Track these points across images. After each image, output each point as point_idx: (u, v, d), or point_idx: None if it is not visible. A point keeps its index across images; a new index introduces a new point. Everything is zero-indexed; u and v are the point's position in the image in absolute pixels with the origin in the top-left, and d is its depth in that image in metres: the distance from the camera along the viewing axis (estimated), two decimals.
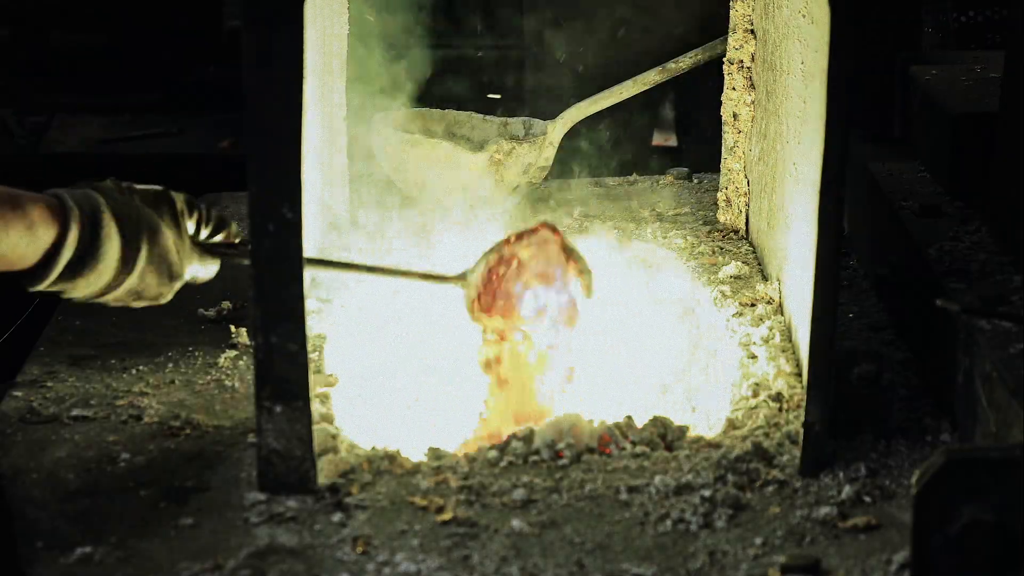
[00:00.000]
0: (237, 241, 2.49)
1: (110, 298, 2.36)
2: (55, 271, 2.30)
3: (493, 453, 2.38)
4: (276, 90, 2.26)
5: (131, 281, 2.33)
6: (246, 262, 2.43)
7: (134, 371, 2.71)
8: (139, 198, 2.39)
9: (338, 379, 2.55)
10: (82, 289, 2.32)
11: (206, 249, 2.45)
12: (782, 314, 2.71)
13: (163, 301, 2.41)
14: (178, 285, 2.44)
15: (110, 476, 2.40)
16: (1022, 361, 2.24)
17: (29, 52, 3.51)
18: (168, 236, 2.38)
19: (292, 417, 2.31)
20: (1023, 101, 2.46)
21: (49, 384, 2.63)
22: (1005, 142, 2.60)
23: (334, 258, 2.78)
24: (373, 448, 2.43)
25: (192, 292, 2.81)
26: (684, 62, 3.28)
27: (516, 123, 3.26)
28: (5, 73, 3.77)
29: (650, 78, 3.36)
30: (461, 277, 2.63)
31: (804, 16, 2.41)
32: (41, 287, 2.35)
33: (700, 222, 3.38)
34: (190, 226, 2.42)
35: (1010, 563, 2.07)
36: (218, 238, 2.46)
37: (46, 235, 2.30)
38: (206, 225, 2.44)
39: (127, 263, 2.31)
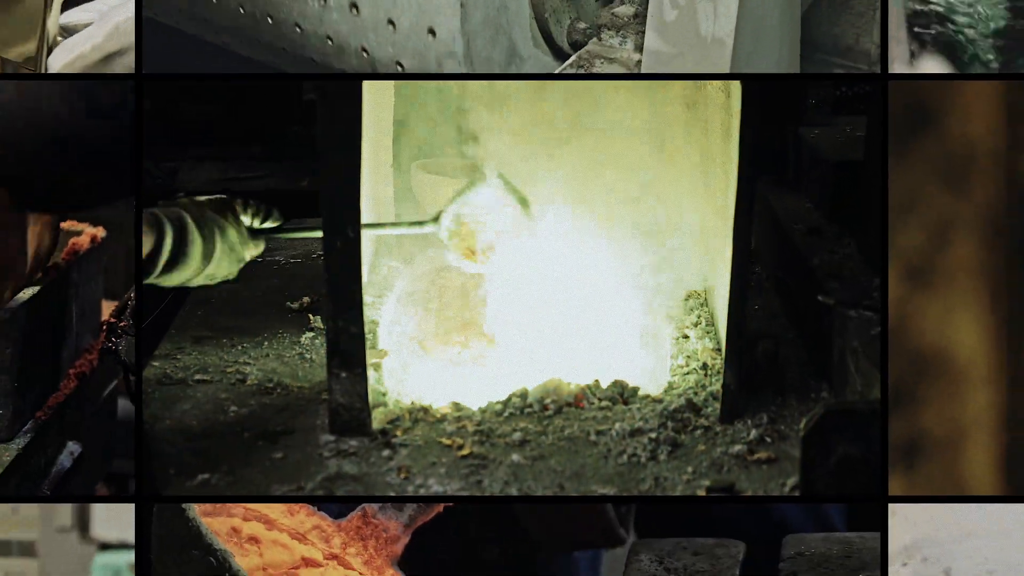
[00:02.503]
0: (278, 224, 2.53)
1: (196, 280, 2.40)
2: (156, 269, 2.31)
3: (498, 406, 2.39)
4: (341, 144, 2.26)
5: (209, 269, 2.34)
6: (283, 236, 2.49)
7: (239, 347, 2.72)
8: (208, 207, 2.42)
9: (387, 352, 2.55)
10: (176, 279, 2.34)
11: (259, 233, 2.47)
12: (707, 306, 2.71)
13: (231, 278, 2.47)
14: (242, 264, 2.46)
15: (222, 423, 2.41)
16: (879, 340, 2.25)
17: (164, 118, 3.56)
18: (232, 231, 2.41)
19: (353, 380, 2.32)
20: (879, 153, 2.48)
21: (178, 357, 2.65)
22: (867, 182, 2.62)
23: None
24: (412, 403, 2.44)
25: (282, 290, 2.82)
26: None
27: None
28: (149, 134, 3.84)
29: None
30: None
31: (723, 91, 2.43)
32: (150, 279, 2.37)
33: None
34: (246, 219, 2.44)
35: (870, 484, 2.09)
36: (268, 224, 2.48)
37: (147, 243, 2.31)
38: (257, 216, 2.45)
39: (207, 257, 2.32)
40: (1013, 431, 2.15)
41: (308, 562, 2.12)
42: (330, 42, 2.72)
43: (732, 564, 2.32)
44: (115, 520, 2.36)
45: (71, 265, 2.62)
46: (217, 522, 2.10)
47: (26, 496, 2.35)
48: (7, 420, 2.38)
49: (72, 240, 2.64)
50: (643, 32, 2.49)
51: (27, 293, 2.45)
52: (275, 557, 2.09)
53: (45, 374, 2.53)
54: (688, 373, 2.50)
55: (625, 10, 2.55)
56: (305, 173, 3.29)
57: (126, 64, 2.56)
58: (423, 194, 2.98)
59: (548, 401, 2.41)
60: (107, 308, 2.73)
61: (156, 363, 2.61)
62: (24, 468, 2.38)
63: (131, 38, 2.55)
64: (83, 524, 2.34)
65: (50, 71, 2.58)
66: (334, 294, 2.34)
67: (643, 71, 2.51)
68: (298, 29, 2.72)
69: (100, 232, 2.71)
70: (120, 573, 2.28)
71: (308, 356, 2.70)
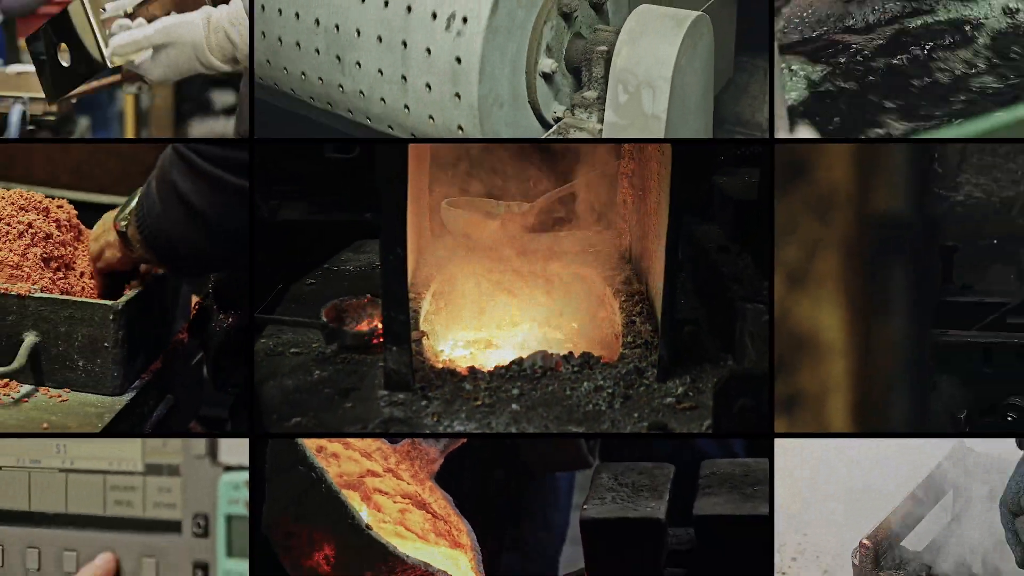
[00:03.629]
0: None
1: None
2: None
3: (502, 370, 2.39)
4: (393, 186, 2.27)
5: None
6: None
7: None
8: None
9: (425, 332, 2.55)
10: None
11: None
12: (648, 300, 2.70)
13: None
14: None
15: (309, 382, 2.40)
16: (768, 325, 2.23)
17: (270, 170, 3.41)
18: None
19: (401, 352, 2.33)
20: (768, 194, 2.46)
21: (280, 335, 2.63)
22: (759, 214, 2.63)
23: None
24: (442, 367, 2.43)
25: (351, 290, 2.76)
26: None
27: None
28: (256, 181, 3.62)
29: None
30: None
31: (660, 151, 2.46)
32: None
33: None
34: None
35: (762, 425, 2.11)
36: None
37: None
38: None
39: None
40: (860, 389, 2.15)
41: (372, 473, 2.12)
42: (407, 110, 2.68)
43: (665, 480, 2.33)
44: (235, 450, 2.27)
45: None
46: (309, 442, 2.11)
47: (175, 434, 2.35)
48: (120, 380, 2.36)
49: None
50: (603, 109, 2.50)
51: (134, 291, 2.43)
52: (348, 468, 2.10)
53: (149, 347, 2.50)
54: (635, 348, 2.49)
55: (591, 94, 2.56)
56: (368, 208, 3.22)
57: (171, 57, 2.45)
58: (450, 223, 2.99)
59: (537, 367, 2.40)
60: (194, 299, 2.70)
61: (263, 339, 2.61)
62: (131, 414, 2.36)
63: (174, 36, 2.44)
64: (213, 452, 2.26)
65: (110, 48, 2.47)
66: (387, 293, 2.34)
67: (604, 137, 2.52)
68: (382, 102, 2.67)
69: None
70: (239, 487, 2.18)
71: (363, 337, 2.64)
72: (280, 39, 2.77)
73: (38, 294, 2.38)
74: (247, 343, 2.50)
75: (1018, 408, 2.34)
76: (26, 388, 2.36)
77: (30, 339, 2.36)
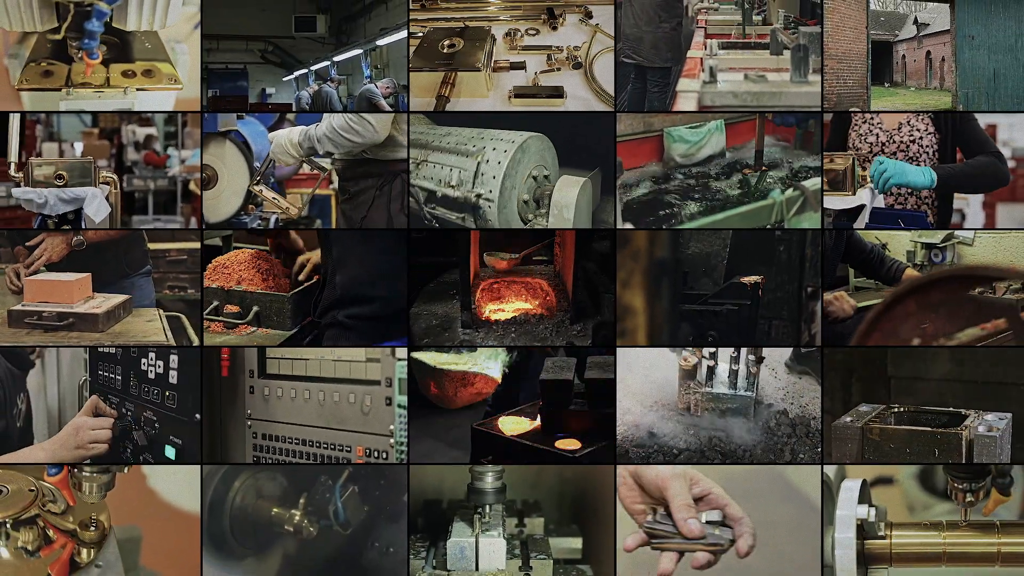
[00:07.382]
0: None
1: None
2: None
3: (508, 320, 2.46)
4: (464, 248, 2.41)
5: None
6: None
7: (435, 303, 2.66)
8: None
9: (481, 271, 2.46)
10: None
11: None
12: (566, 292, 2.64)
13: None
14: None
15: (431, 325, 2.47)
16: (614, 303, 2.35)
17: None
18: None
19: (468, 313, 2.43)
20: (613, 254, 2.48)
21: (419, 307, 2.61)
22: (612, 260, 2.55)
23: None
24: (485, 319, 2.52)
25: (447, 290, 2.44)
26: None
27: None
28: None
29: None
30: None
31: (569, 233, 2.50)
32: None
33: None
34: None
35: (612, 340, 2.22)
36: None
37: None
38: None
39: None
40: (649, 328, 2.26)
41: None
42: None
43: (573, 364, 2.34)
44: (401, 352, 2.24)
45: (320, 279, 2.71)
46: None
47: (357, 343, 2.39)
48: (290, 324, 2.59)
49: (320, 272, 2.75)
50: (548, 216, 2.61)
51: (298, 288, 2.67)
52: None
53: (305, 309, 2.62)
54: (560, 311, 2.57)
55: (543, 211, 2.66)
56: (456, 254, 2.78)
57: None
58: (487, 261, 2.91)
59: (521, 319, 2.51)
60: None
61: (414, 309, 2.64)
62: (294, 339, 2.54)
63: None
64: (393, 352, 2.21)
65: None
66: (463, 289, 2.49)
67: (549, 228, 2.62)
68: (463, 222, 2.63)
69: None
70: (403, 367, 2.17)
71: (454, 307, 2.68)
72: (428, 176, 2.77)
73: (258, 290, 2.66)
74: (406, 313, 2.49)
75: (714, 336, 2.47)
76: (252, 328, 2.64)
77: (255, 308, 2.63)
